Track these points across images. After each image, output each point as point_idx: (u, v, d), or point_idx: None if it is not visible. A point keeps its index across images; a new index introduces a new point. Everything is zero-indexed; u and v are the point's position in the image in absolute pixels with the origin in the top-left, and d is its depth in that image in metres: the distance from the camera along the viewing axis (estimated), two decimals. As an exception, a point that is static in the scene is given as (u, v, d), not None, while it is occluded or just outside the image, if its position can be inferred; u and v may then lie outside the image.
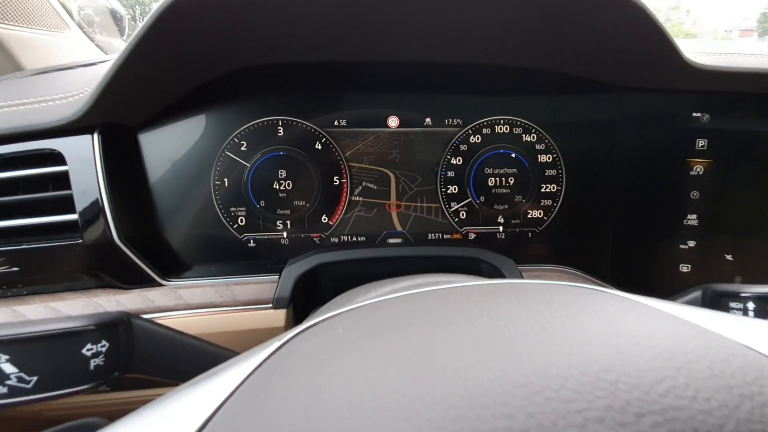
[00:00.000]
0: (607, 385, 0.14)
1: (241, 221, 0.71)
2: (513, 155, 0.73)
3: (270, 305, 0.64)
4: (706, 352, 0.16)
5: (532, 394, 0.14)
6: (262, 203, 0.71)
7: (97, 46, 0.95)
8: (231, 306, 0.64)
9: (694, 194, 0.71)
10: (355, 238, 0.74)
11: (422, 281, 0.39)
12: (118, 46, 1.03)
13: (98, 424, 0.32)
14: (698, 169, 0.71)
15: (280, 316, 0.63)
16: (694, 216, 0.72)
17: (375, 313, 0.26)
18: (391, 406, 0.15)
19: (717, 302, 0.41)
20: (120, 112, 0.63)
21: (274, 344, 0.24)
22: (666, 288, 0.73)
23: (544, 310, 0.22)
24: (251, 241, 0.72)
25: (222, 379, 0.21)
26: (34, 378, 0.33)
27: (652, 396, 0.14)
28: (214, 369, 0.25)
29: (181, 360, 0.40)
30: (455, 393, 0.15)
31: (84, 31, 0.92)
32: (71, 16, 0.89)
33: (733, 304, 0.39)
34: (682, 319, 0.21)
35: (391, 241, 0.74)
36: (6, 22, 0.79)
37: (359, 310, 0.27)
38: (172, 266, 0.68)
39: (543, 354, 0.17)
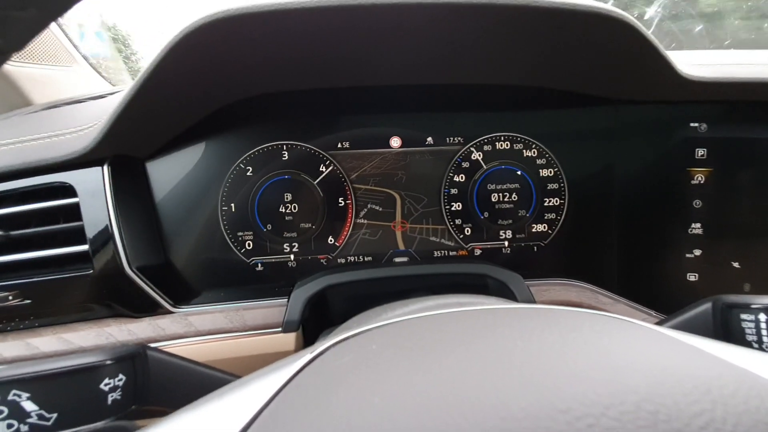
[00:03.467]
0: (648, 416, 0.15)
1: (249, 245, 0.72)
2: (515, 171, 0.74)
3: (280, 329, 0.64)
4: (739, 387, 0.17)
5: (574, 420, 0.15)
6: (269, 227, 0.72)
7: (104, 78, 0.98)
8: (241, 331, 0.64)
9: (697, 203, 0.72)
10: (361, 259, 0.75)
11: (445, 302, 0.38)
12: (124, 76, 1.06)
13: (128, 428, 0.33)
14: (699, 178, 0.72)
15: (290, 339, 0.63)
16: (698, 224, 0.72)
17: (407, 331, 0.26)
18: (434, 428, 0.15)
19: (727, 314, 0.41)
20: (129, 144, 0.64)
21: (305, 357, 0.24)
22: (674, 298, 0.72)
23: (578, 338, 0.22)
24: (259, 264, 0.72)
25: (254, 389, 0.21)
26: (54, 415, 0.33)
27: (692, 428, 0.14)
28: (243, 379, 0.25)
29: (197, 390, 0.40)
30: (498, 415, 0.15)
31: (91, 64, 0.94)
32: (78, 51, 0.92)
33: (744, 316, 0.39)
34: (711, 354, 0.21)
35: (397, 259, 0.75)
36: (15, 59, 0.81)
37: (390, 328, 0.27)
38: (181, 293, 0.69)
39: (581, 381, 0.17)
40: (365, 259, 0.75)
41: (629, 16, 0.54)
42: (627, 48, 0.58)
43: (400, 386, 0.18)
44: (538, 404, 0.16)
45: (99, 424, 0.34)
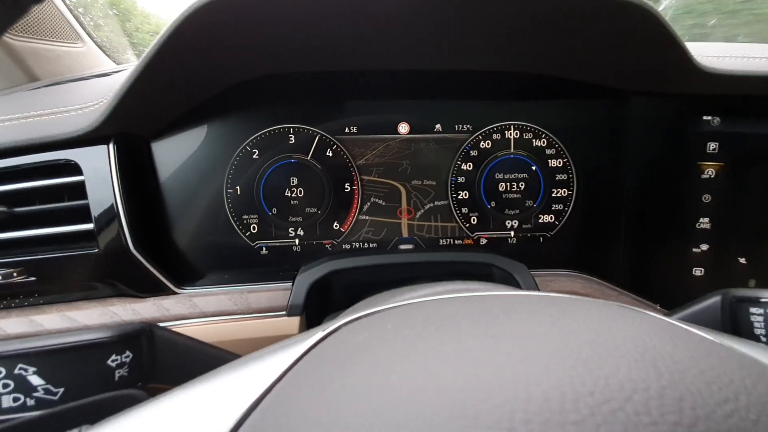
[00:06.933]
0: (674, 402, 0.15)
1: (254, 228, 0.72)
2: (523, 160, 0.74)
3: (284, 312, 0.64)
4: (760, 379, 0.17)
5: (600, 404, 0.15)
6: (274, 210, 0.71)
7: (109, 56, 0.96)
8: (245, 314, 0.64)
9: (706, 197, 0.71)
10: (366, 245, 0.74)
11: (463, 287, 0.38)
12: (129, 55, 1.05)
13: (138, 397, 0.33)
14: (710, 173, 0.71)
15: (293, 323, 0.63)
16: (707, 219, 0.71)
17: (421, 313, 0.26)
18: (458, 405, 0.15)
19: (737, 308, 0.41)
20: (135, 122, 0.63)
21: (317, 334, 0.24)
22: (679, 292, 0.72)
23: (602, 326, 0.21)
24: (264, 248, 0.72)
25: (267, 364, 0.21)
26: (61, 390, 0.33)
27: (717, 415, 0.14)
28: (255, 353, 0.25)
29: (202, 369, 0.40)
30: (523, 395, 0.15)
31: (96, 42, 0.93)
32: (84, 28, 0.90)
33: (753, 310, 0.39)
34: (732, 347, 0.21)
35: (402, 247, 0.74)
36: (20, 34, 0.80)
37: (402, 309, 0.27)
38: (185, 274, 0.69)
39: (606, 366, 0.17)
40: (370, 245, 0.74)
41: (649, 4, 0.53)
42: (645, 37, 0.57)
43: (418, 366, 0.18)
44: (564, 387, 0.15)
45: (110, 393, 0.34)
